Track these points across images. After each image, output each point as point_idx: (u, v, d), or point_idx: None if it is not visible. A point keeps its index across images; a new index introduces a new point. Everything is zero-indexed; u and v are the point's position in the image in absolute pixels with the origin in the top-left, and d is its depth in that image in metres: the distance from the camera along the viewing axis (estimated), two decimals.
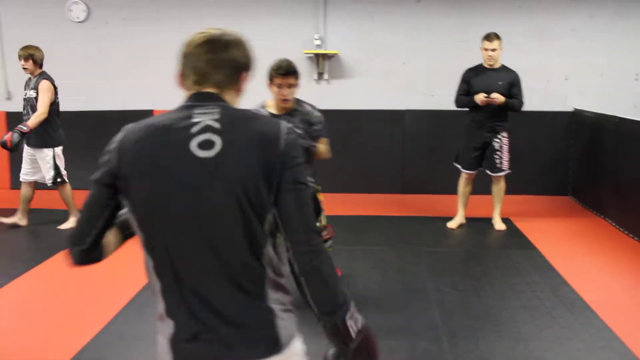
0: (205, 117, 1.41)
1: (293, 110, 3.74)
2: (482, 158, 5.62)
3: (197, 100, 1.47)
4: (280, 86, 3.60)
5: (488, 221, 5.90)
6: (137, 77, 7.15)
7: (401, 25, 6.96)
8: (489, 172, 5.64)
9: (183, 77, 1.53)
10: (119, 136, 1.48)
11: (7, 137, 5.21)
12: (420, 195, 7.00)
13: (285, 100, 3.64)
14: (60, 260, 4.62)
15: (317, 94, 7.06)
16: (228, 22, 6.86)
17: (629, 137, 5.52)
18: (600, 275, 4.54)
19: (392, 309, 3.87)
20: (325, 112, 6.74)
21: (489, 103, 5.35)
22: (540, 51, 6.80)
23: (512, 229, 5.67)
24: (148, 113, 7.03)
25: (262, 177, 1.37)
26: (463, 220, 5.79)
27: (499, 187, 5.68)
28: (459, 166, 5.76)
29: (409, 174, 7.09)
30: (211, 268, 1.38)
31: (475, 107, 5.44)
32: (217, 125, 1.40)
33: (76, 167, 7.22)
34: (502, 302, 3.99)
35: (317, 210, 3.88)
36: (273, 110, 3.73)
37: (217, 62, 1.48)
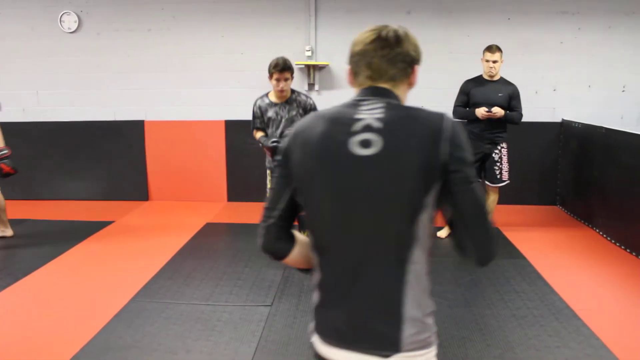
0: (368, 115, 1.46)
1: (290, 98, 4.68)
2: (482, 169, 5.65)
3: (367, 95, 1.51)
4: (278, 80, 4.48)
5: None
6: (129, 88, 7.17)
7: None
8: (488, 182, 5.67)
9: (354, 74, 1.58)
10: (290, 132, 1.56)
11: (5, 167, 5.16)
12: None
13: (282, 91, 4.55)
14: (47, 271, 4.64)
15: None
16: (220, 33, 6.98)
17: (615, 147, 5.58)
18: (588, 284, 4.57)
19: None
20: None
21: (489, 117, 5.39)
22: (529, 63, 6.87)
23: (501, 239, 5.70)
24: (139, 124, 7.12)
25: (422, 178, 1.39)
26: None
27: (493, 198, 5.71)
28: None
29: None
30: (366, 254, 1.44)
31: (474, 119, 5.47)
32: (378, 124, 1.43)
33: (67, 177, 7.25)
34: (491, 311, 4.01)
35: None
36: (274, 99, 4.68)
37: (391, 57, 1.52)
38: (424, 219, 1.43)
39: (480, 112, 5.38)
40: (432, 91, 7.06)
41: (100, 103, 7.22)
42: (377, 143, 1.41)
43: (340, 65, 7.01)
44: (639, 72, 6.93)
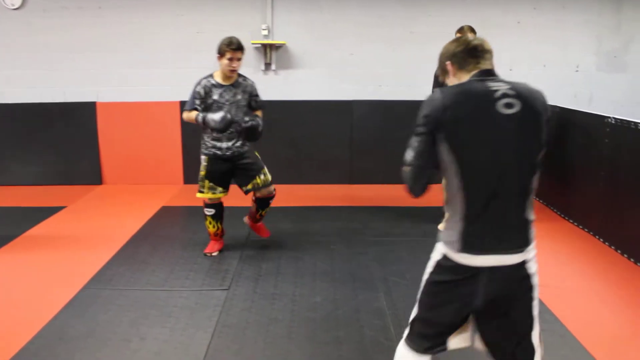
0: (499, 86, 2.00)
1: (237, 82, 4.44)
2: None
3: (484, 75, 2.06)
4: (231, 59, 4.25)
5: (437, 210, 5.96)
6: (79, 68, 6.92)
7: (350, 15, 6.94)
8: None
9: (457, 65, 2.12)
10: (437, 98, 1.99)
11: None
12: (369, 185, 7.04)
13: (232, 71, 4.32)
14: None
15: (265, 85, 6.97)
16: (174, 12, 6.78)
17: (569, 126, 5.66)
18: (540, 261, 4.62)
19: (340, 300, 3.86)
20: (273, 103, 6.79)
21: None
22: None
23: None
24: (91, 105, 6.89)
25: (544, 134, 2.01)
26: None
27: None
28: None
29: (358, 164, 7.10)
30: (505, 190, 1.98)
31: None
32: (512, 92, 1.98)
33: (17, 161, 6.98)
34: None
35: (261, 165, 4.61)
36: (220, 81, 4.39)
37: (488, 54, 2.12)
38: (540, 156, 2.02)
39: None
40: (391, 70, 7.06)
41: (49, 84, 6.95)
42: (516, 105, 1.97)
43: (297, 45, 6.90)
44: (592, 52, 7.04)
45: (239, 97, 4.41)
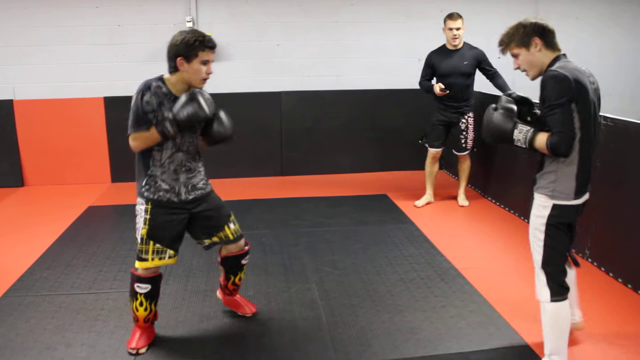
0: (582, 66, 2.66)
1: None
2: (447, 136, 5.69)
3: (565, 57, 2.67)
4: (206, 63, 2.86)
5: (369, 198, 6.05)
6: None
7: (275, 6, 6.89)
8: (454, 151, 5.73)
9: (546, 42, 2.68)
10: (570, 73, 2.53)
11: None
12: (301, 176, 7.05)
13: (205, 80, 2.92)
14: None
15: None
16: (93, 4, 6.53)
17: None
18: (469, 244, 4.77)
19: (272, 293, 3.85)
20: None
21: (451, 86, 5.39)
22: (408, 31, 7.02)
23: (388, 205, 5.84)
24: (7, 104, 6.57)
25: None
26: (431, 199, 5.87)
27: (464, 166, 5.77)
28: (426, 145, 5.80)
29: (289, 155, 7.09)
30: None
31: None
32: (589, 72, 2.68)
33: None
34: (380, 277, 4.08)
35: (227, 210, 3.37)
36: (173, 91, 2.91)
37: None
38: None
39: (436, 89, 5.38)
40: (318, 60, 7.07)
41: None
42: (596, 82, 2.68)
43: (223, 37, 6.80)
44: (494, 37, 7.24)
45: None
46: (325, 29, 6.98)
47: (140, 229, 3.00)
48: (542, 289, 2.72)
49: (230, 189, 6.34)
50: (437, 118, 5.64)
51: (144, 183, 2.97)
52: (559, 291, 2.70)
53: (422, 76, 5.61)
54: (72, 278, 4.10)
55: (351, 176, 7.08)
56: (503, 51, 2.77)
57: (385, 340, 3.25)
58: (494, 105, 2.78)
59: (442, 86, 5.40)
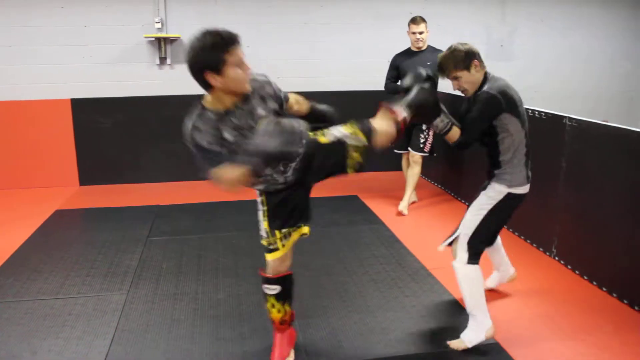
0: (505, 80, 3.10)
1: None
2: (409, 137, 5.66)
3: (489, 74, 3.12)
4: (241, 64, 2.43)
5: (340, 200, 6.06)
6: None
7: (244, 7, 6.86)
8: (410, 149, 5.68)
9: (480, 63, 3.08)
10: (501, 92, 2.98)
11: None
12: None
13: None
14: None
15: (160, 80, 6.81)
16: (57, 3, 6.42)
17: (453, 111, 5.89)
18: (439, 243, 4.80)
19: (243, 295, 3.83)
20: (169, 99, 6.63)
21: None
22: (379, 31, 7.06)
23: (359, 206, 5.86)
24: None
25: None
26: (415, 198, 5.90)
27: (414, 172, 5.69)
28: (393, 148, 5.80)
29: None
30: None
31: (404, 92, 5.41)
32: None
33: None
34: (352, 278, 4.10)
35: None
36: (218, 108, 2.46)
37: None
38: None
39: None
40: (288, 61, 7.07)
41: None
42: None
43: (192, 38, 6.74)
44: (480, 41, 7.33)
45: (260, 108, 2.54)
46: (296, 30, 6.98)
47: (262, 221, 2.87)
48: (462, 253, 3.13)
49: (201, 192, 6.29)
50: None
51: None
52: (475, 257, 3.12)
53: (388, 78, 5.67)
54: (39, 283, 4.02)
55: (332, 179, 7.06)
56: (447, 76, 3.09)
57: (356, 340, 3.26)
58: (425, 87, 2.99)
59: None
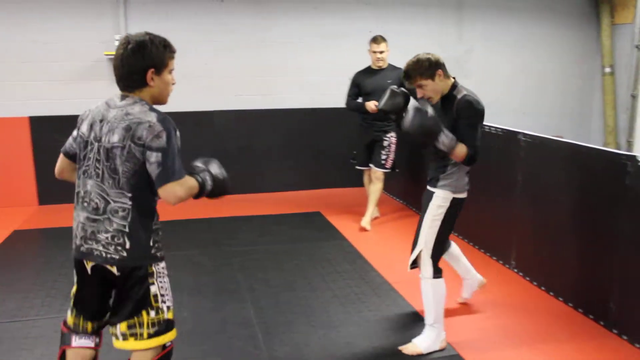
0: None
1: None
2: (370, 154, 5.71)
3: (457, 82, 3.23)
4: (172, 71, 2.45)
5: (303, 216, 6.09)
6: None
7: (202, 24, 6.88)
8: (372, 165, 5.72)
9: (445, 72, 3.20)
10: (478, 99, 3.13)
11: None
12: (234, 195, 6.99)
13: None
14: None
15: None
16: (9, 20, 6.32)
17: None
18: (402, 258, 4.85)
19: (206, 313, 3.81)
20: None
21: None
22: (336, 50, 7.18)
23: (322, 222, 5.90)
24: None
25: None
26: (377, 214, 5.97)
27: (376, 188, 5.73)
28: (355, 164, 5.89)
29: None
30: None
31: (366, 110, 5.46)
32: None
33: None
34: (315, 294, 4.12)
35: None
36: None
37: None
38: None
39: (370, 106, 5.37)
40: (247, 78, 7.11)
41: None
42: None
43: None
44: None
45: None
46: (255, 48, 7.03)
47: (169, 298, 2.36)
48: (427, 267, 3.25)
49: (161, 209, 6.23)
50: (362, 139, 5.76)
51: (151, 242, 2.31)
52: (437, 270, 3.26)
53: (349, 95, 5.74)
54: None
55: (284, 194, 7.11)
56: (411, 83, 3.21)
57: (321, 355, 3.28)
58: (422, 109, 3.04)
59: (376, 103, 5.51)
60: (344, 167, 6.98)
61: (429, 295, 3.26)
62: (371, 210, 5.78)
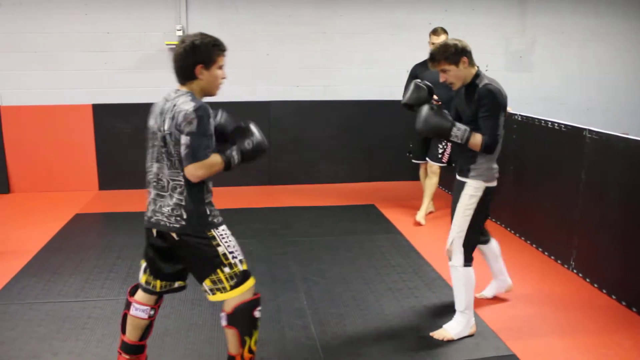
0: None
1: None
2: (427, 147, 5.65)
3: (481, 71, 3.23)
4: (222, 67, 2.67)
5: (357, 208, 6.07)
6: None
7: (264, 16, 6.92)
8: (428, 159, 5.66)
9: (470, 60, 3.21)
10: (500, 88, 3.13)
11: None
12: (288, 185, 7.06)
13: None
14: None
15: None
16: (81, 10, 6.52)
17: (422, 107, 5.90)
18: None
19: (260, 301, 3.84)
20: None
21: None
22: (398, 43, 7.09)
23: (377, 215, 5.86)
24: None
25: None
26: (432, 208, 5.91)
27: (432, 182, 5.68)
28: (412, 158, 5.86)
29: (276, 165, 7.09)
30: None
31: None
32: None
33: None
34: (368, 286, 4.10)
35: None
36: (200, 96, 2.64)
37: None
38: None
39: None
40: (306, 70, 7.12)
41: None
42: None
43: None
44: (499, 52, 7.37)
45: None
46: (314, 40, 7.02)
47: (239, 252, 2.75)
48: (458, 256, 3.29)
49: (217, 198, 6.33)
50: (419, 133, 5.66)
51: (207, 212, 2.72)
52: (469, 258, 3.30)
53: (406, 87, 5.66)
54: (59, 286, 4.07)
55: (339, 186, 7.10)
56: (434, 66, 3.23)
57: (373, 348, 3.26)
58: (428, 106, 3.23)
59: (436, 97, 5.43)
60: (399, 161, 6.94)
61: (460, 282, 3.32)
62: (426, 205, 5.71)
